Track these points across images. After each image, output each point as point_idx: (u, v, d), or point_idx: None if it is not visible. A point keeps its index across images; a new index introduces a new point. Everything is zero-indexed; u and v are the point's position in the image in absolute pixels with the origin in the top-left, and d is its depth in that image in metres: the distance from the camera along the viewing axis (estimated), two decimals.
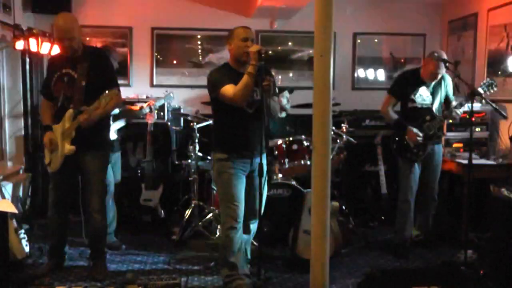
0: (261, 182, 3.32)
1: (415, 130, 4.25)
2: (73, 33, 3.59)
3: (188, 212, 4.82)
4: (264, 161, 3.48)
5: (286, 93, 5.02)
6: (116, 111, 4.48)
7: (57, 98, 3.69)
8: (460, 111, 4.19)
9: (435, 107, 4.35)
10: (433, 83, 4.33)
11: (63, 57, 3.74)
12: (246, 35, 3.41)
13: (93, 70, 3.64)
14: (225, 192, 3.51)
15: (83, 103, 3.60)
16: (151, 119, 4.89)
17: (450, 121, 4.82)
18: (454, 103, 4.37)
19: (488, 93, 4.08)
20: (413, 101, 4.32)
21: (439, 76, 4.29)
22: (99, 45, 5.67)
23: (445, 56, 4.25)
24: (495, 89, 4.11)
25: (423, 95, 4.32)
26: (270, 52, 5.92)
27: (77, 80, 3.62)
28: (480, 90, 4.04)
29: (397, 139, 4.39)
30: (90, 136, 3.65)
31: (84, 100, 3.61)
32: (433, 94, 4.34)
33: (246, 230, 3.66)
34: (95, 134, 3.69)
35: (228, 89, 3.34)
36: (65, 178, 3.79)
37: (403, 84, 4.39)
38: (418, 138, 4.24)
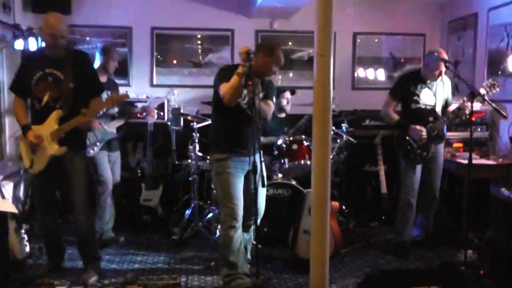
0: (256, 180, 3.31)
1: (418, 127, 4.24)
2: (64, 32, 3.56)
3: (188, 212, 4.83)
4: (258, 160, 3.47)
5: (287, 94, 5.02)
6: (115, 109, 4.50)
7: (39, 98, 3.59)
8: (467, 105, 4.14)
9: (438, 108, 4.35)
10: (435, 83, 4.32)
11: (44, 56, 3.64)
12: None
13: (78, 73, 3.61)
14: (224, 191, 3.51)
15: (71, 105, 3.58)
16: (151, 119, 4.88)
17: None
18: (452, 107, 4.36)
19: (490, 93, 4.07)
20: (417, 102, 4.30)
21: (442, 74, 4.27)
22: (99, 45, 5.66)
23: (444, 54, 4.24)
24: (497, 89, 4.10)
25: (427, 96, 4.31)
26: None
27: (65, 82, 3.57)
28: (482, 90, 4.03)
29: (399, 140, 4.37)
30: (69, 136, 3.58)
31: (73, 102, 3.59)
32: (436, 95, 4.34)
33: (246, 229, 3.66)
34: (74, 133, 3.60)
35: (222, 87, 3.35)
36: (48, 179, 3.71)
37: (405, 86, 4.36)
38: (422, 134, 4.23)
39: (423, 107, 4.31)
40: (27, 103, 3.74)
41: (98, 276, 3.75)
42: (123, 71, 5.82)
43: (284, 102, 4.98)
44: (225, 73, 3.44)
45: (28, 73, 3.62)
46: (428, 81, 4.31)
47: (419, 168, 4.35)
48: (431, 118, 4.30)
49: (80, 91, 3.63)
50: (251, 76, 3.30)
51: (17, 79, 3.74)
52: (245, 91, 3.40)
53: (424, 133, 4.23)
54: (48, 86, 3.58)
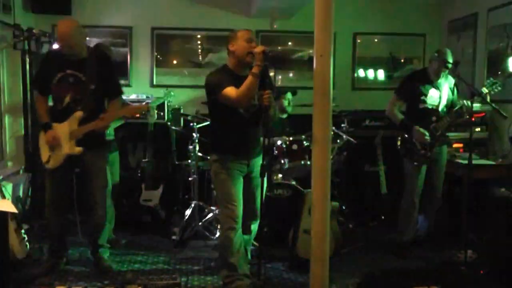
0: (263, 182, 3.31)
1: (421, 130, 4.23)
2: (73, 40, 3.61)
3: (188, 212, 4.83)
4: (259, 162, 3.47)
5: (288, 95, 5.01)
6: None
7: (61, 98, 3.69)
8: (468, 102, 4.13)
9: (441, 107, 4.33)
10: (441, 83, 4.30)
11: (65, 56, 3.70)
12: (250, 36, 3.38)
13: (100, 74, 3.69)
14: (222, 192, 3.51)
15: (92, 107, 3.67)
16: (151, 119, 4.87)
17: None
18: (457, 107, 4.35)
19: (492, 92, 4.05)
20: (424, 102, 4.28)
21: (441, 74, 4.26)
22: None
23: (448, 54, 4.21)
24: (499, 88, 4.08)
25: (433, 96, 4.28)
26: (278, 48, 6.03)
27: (86, 83, 3.65)
28: (485, 89, 4.02)
29: (403, 141, 4.35)
30: (91, 135, 3.69)
31: (93, 103, 3.69)
32: (441, 95, 4.30)
33: (246, 230, 3.66)
34: (94, 133, 3.71)
35: (230, 91, 3.29)
36: (63, 176, 3.81)
37: (412, 86, 4.32)
38: (426, 138, 4.22)
39: (430, 107, 4.29)
40: (47, 100, 3.83)
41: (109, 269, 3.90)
42: (123, 71, 5.83)
43: (285, 103, 4.98)
44: (221, 77, 3.38)
45: (49, 72, 3.71)
46: (435, 81, 4.29)
47: (423, 169, 4.34)
48: (434, 118, 4.28)
49: (100, 92, 3.73)
50: (267, 76, 3.29)
51: (39, 76, 3.90)
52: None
53: (427, 136, 4.22)
54: (70, 87, 3.67)
